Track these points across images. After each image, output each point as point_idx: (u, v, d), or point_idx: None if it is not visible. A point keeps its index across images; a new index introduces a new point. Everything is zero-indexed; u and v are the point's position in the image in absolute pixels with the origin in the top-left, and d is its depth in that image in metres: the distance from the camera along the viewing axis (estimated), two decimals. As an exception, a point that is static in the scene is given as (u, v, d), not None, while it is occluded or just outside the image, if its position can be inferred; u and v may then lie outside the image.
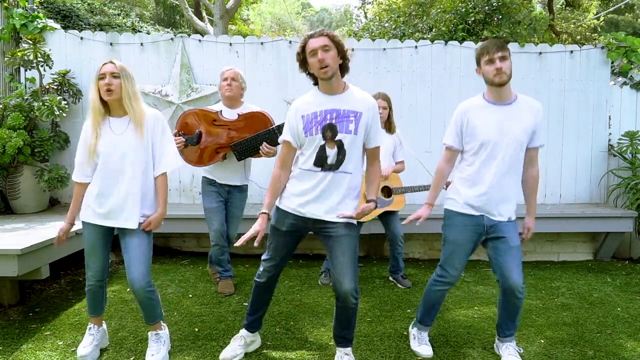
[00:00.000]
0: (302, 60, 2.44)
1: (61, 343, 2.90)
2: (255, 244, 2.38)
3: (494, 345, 2.87)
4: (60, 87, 4.96)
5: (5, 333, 3.07)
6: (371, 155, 2.56)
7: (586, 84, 5.39)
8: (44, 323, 3.22)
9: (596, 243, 5.28)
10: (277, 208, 2.57)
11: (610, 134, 5.43)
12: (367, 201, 2.53)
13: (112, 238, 2.70)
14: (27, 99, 4.63)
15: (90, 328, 2.77)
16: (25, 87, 4.99)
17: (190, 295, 3.74)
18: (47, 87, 4.89)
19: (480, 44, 2.59)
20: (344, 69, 2.44)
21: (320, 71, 2.36)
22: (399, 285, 4.05)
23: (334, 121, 2.40)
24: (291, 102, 5.30)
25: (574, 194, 5.47)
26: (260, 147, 3.43)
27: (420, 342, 2.85)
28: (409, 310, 3.47)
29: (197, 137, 3.51)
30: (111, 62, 2.53)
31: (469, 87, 5.35)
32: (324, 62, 2.33)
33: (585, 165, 5.45)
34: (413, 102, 5.27)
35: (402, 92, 5.26)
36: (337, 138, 2.39)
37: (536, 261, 5.16)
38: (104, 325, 2.87)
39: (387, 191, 3.97)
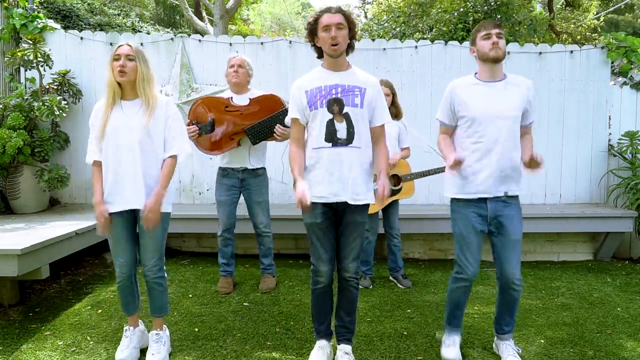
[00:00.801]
0: (311, 32, 2.45)
1: (61, 343, 2.90)
2: (307, 203, 2.31)
3: (493, 344, 2.86)
4: (60, 87, 4.96)
5: (5, 333, 3.07)
6: (376, 134, 2.55)
7: (586, 84, 5.39)
8: (44, 323, 3.22)
9: (596, 243, 5.28)
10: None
11: (610, 134, 5.43)
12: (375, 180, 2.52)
13: (137, 223, 2.64)
14: (27, 99, 4.63)
15: (126, 330, 2.73)
16: (25, 87, 4.99)
17: (190, 295, 3.74)
18: (47, 87, 4.89)
19: (478, 24, 2.63)
20: (349, 47, 2.48)
21: (330, 47, 2.38)
22: (399, 285, 4.04)
23: (339, 95, 2.41)
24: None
25: (574, 194, 5.47)
26: (275, 129, 3.44)
27: (446, 345, 2.76)
28: (409, 310, 3.47)
29: (211, 124, 3.53)
30: (128, 45, 2.53)
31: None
32: (336, 39, 2.36)
33: (585, 165, 5.45)
34: (413, 102, 5.27)
35: (402, 92, 5.24)
36: (344, 112, 2.40)
37: (536, 261, 5.15)
38: (141, 326, 2.82)
39: (396, 179, 3.92)
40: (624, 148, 5.25)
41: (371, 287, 3.95)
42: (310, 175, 2.48)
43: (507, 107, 2.54)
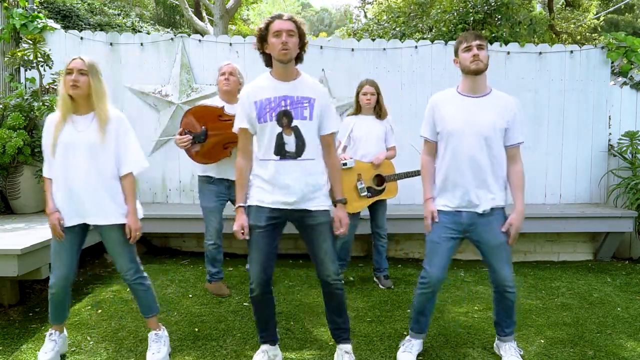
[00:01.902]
0: (261, 38, 2.44)
1: (61, 343, 2.90)
2: (243, 237, 2.42)
3: (494, 345, 2.86)
4: (60, 87, 4.96)
5: (5, 333, 3.07)
6: (326, 143, 2.54)
7: (586, 84, 5.39)
8: (44, 323, 3.22)
9: (596, 243, 5.28)
10: (250, 206, 2.49)
11: (610, 134, 5.43)
12: (335, 203, 2.56)
13: (84, 239, 2.68)
14: (27, 99, 4.63)
15: (51, 334, 2.74)
16: (25, 87, 4.99)
17: (190, 295, 3.74)
18: (47, 87, 4.88)
19: (460, 36, 2.64)
20: (298, 58, 2.48)
21: (280, 52, 2.36)
22: (380, 286, 4.00)
23: (288, 107, 2.41)
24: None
25: (574, 194, 5.47)
26: None
27: (403, 350, 2.75)
28: (409, 311, 3.47)
29: (204, 133, 3.49)
30: (80, 58, 2.52)
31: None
32: (286, 45, 2.35)
33: (585, 165, 5.45)
34: (413, 102, 5.27)
35: (402, 92, 5.26)
36: (292, 124, 2.41)
37: (536, 261, 5.16)
38: (65, 332, 2.85)
39: (380, 179, 3.92)
40: (624, 148, 5.25)
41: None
42: (257, 183, 2.48)
43: (485, 123, 2.52)
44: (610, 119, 5.43)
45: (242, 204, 2.48)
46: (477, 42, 2.51)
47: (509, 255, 2.62)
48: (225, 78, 3.59)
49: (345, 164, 3.74)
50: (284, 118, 2.40)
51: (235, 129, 2.51)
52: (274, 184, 2.42)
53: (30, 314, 3.38)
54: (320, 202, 2.49)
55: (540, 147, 5.43)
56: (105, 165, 2.55)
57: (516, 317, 2.76)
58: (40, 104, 4.48)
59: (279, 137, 2.40)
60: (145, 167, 2.67)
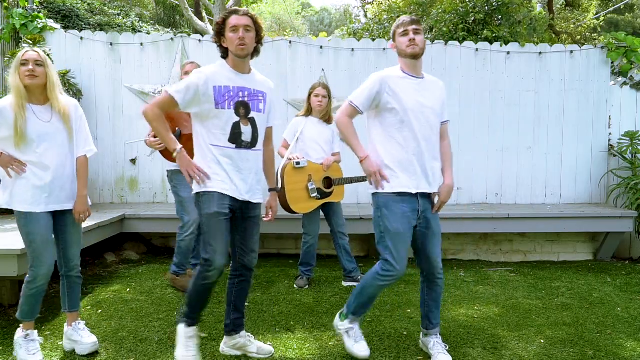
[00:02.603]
0: (218, 32, 2.48)
1: (61, 343, 2.90)
2: (199, 177, 2.47)
3: (420, 342, 2.83)
4: (60, 87, 4.95)
5: (5, 333, 3.06)
6: (268, 135, 2.68)
7: (586, 84, 5.39)
8: (44, 323, 3.21)
9: (596, 243, 5.28)
10: (212, 192, 2.46)
11: (610, 134, 5.43)
12: (271, 190, 2.73)
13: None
14: (27, 99, 4.62)
15: (29, 334, 2.67)
16: (25, 87, 4.99)
17: (190, 295, 3.73)
18: (47, 87, 4.88)
19: (397, 20, 2.65)
20: (255, 52, 2.53)
21: (238, 48, 2.42)
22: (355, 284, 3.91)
23: (246, 99, 2.48)
24: (291, 102, 5.32)
25: (574, 194, 5.47)
26: None
27: (356, 340, 2.70)
28: (409, 310, 3.47)
29: (178, 135, 3.49)
30: (34, 50, 2.58)
31: (469, 87, 5.35)
32: (243, 40, 2.41)
33: (585, 165, 5.45)
34: (413, 102, 5.26)
35: (402, 92, 5.25)
36: (250, 116, 2.48)
37: (536, 261, 5.16)
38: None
39: (328, 182, 3.93)
40: (624, 148, 5.25)
41: (307, 287, 3.96)
42: (215, 170, 2.48)
43: (433, 103, 2.60)
44: (610, 119, 5.43)
45: (179, 148, 2.47)
46: (414, 26, 2.54)
47: (441, 244, 2.69)
48: None
49: (298, 163, 3.77)
50: (242, 109, 2.47)
51: (169, 92, 2.42)
52: (232, 173, 2.47)
53: (30, 314, 3.38)
54: (260, 195, 2.62)
55: (540, 147, 5.43)
56: (73, 150, 2.67)
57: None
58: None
59: (236, 126, 2.45)
60: (95, 152, 2.79)
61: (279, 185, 3.66)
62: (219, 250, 2.45)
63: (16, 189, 2.56)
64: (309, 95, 3.97)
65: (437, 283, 2.69)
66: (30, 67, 2.52)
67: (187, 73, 3.63)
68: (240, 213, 2.58)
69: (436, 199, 2.67)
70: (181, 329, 2.61)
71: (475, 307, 3.57)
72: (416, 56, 2.55)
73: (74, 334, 2.79)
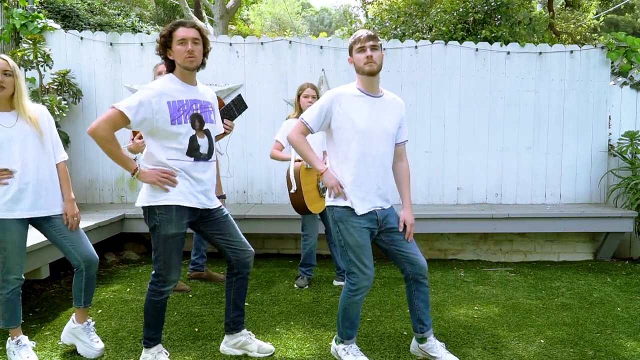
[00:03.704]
0: (164, 44, 2.43)
1: (61, 343, 2.90)
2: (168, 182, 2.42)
3: (413, 347, 2.75)
4: (60, 87, 4.96)
5: (6, 333, 3.06)
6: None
7: (586, 83, 5.39)
8: (44, 323, 3.22)
9: (596, 243, 5.28)
10: (169, 207, 2.41)
11: (610, 134, 5.43)
12: (220, 197, 2.81)
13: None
14: (27, 99, 4.62)
15: (19, 340, 2.64)
16: (25, 87, 4.99)
17: (191, 296, 3.74)
18: (47, 87, 4.89)
19: (354, 34, 2.59)
20: (202, 64, 2.52)
21: (187, 60, 2.40)
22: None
23: (199, 111, 2.47)
24: (291, 102, 5.32)
25: (574, 194, 5.47)
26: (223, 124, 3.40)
27: (355, 355, 2.62)
28: (408, 310, 3.47)
29: None
30: (3, 59, 2.52)
31: (469, 87, 5.35)
32: (192, 53, 2.40)
33: (585, 165, 5.45)
34: (413, 102, 5.27)
35: (402, 92, 5.25)
36: (204, 128, 2.49)
37: (536, 261, 5.16)
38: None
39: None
40: (624, 148, 5.25)
41: (307, 287, 3.96)
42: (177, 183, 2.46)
43: (388, 124, 2.56)
44: (610, 119, 5.43)
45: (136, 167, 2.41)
46: (371, 42, 2.46)
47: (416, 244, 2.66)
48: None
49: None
50: (197, 121, 2.45)
51: (120, 109, 2.29)
52: (194, 186, 2.46)
53: (30, 314, 3.38)
54: (217, 200, 2.64)
55: (540, 147, 5.43)
56: (49, 157, 2.64)
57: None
58: (40, 104, 4.47)
59: (193, 139, 2.44)
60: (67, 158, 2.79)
61: (294, 187, 3.59)
62: (173, 266, 2.48)
63: None
64: (298, 97, 3.96)
65: (424, 283, 2.62)
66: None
67: (160, 74, 3.53)
68: (206, 219, 2.57)
69: (402, 226, 2.60)
70: (148, 355, 2.57)
71: (475, 307, 3.57)
72: (373, 73, 2.48)
73: (83, 333, 2.75)
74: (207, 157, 2.51)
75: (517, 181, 5.45)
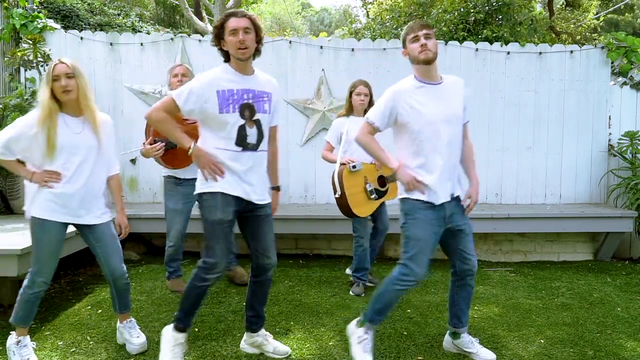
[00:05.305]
0: (218, 36, 2.45)
1: (61, 343, 2.90)
2: (217, 173, 2.44)
3: (445, 344, 2.81)
4: (60, 87, 4.95)
5: (6, 333, 3.06)
6: (272, 134, 2.66)
7: (586, 83, 5.39)
8: (44, 323, 3.22)
9: (596, 243, 5.28)
10: (215, 194, 2.44)
11: (610, 134, 5.43)
12: (273, 188, 2.70)
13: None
14: (27, 99, 4.63)
15: (21, 340, 2.63)
16: (25, 87, 4.99)
17: (190, 295, 3.73)
18: (47, 87, 4.88)
19: (406, 26, 2.61)
20: (256, 52, 2.51)
21: (238, 51, 2.39)
22: (372, 284, 3.93)
23: (251, 101, 2.45)
24: (291, 102, 5.31)
25: (574, 194, 5.47)
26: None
27: (364, 349, 2.61)
28: (409, 310, 3.47)
29: (173, 147, 3.40)
30: (62, 62, 2.51)
31: (469, 87, 5.34)
32: (244, 43, 2.38)
33: (585, 165, 5.45)
34: (413, 102, 5.26)
35: (402, 92, 5.24)
36: (255, 117, 2.46)
37: (536, 261, 5.16)
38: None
39: (382, 181, 3.77)
40: (624, 148, 5.25)
41: (363, 294, 3.79)
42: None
43: (456, 108, 2.57)
44: (610, 119, 5.43)
45: (193, 144, 2.43)
46: (424, 31, 2.50)
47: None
48: (179, 80, 3.51)
49: (354, 167, 3.61)
50: (247, 111, 2.44)
51: (172, 96, 2.41)
52: (239, 176, 2.46)
53: (30, 314, 3.38)
54: (267, 195, 2.61)
55: (540, 147, 5.43)
56: (101, 165, 2.65)
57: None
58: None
59: (242, 128, 2.43)
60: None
61: (339, 191, 3.54)
62: (219, 253, 2.46)
63: (37, 196, 2.54)
64: (350, 94, 3.83)
65: (470, 283, 2.66)
66: (63, 82, 2.46)
67: (175, 76, 3.56)
68: (249, 213, 2.55)
69: (467, 201, 2.64)
70: (170, 334, 2.60)
71: (475, 307, 3.57)
72: (429, 61, 2.49)
73: (124, 332, 2.82)
74: (255, 147, 2.48)
75: (517, 181, 5.45)
